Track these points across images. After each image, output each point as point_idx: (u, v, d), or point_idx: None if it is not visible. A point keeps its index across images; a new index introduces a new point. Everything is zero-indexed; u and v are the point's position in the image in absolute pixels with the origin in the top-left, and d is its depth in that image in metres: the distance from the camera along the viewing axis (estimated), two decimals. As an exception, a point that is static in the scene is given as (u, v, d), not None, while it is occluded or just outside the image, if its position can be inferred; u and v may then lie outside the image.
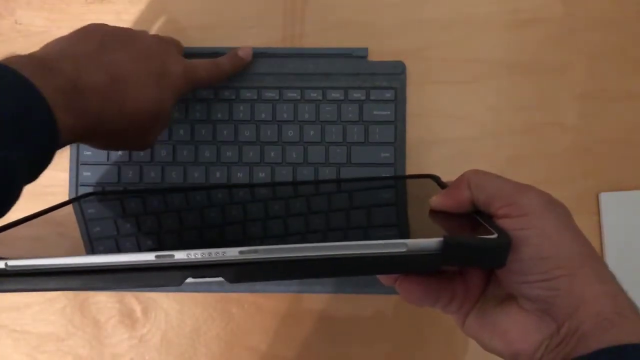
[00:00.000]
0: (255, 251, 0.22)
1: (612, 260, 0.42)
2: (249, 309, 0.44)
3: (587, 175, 0.44)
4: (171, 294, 0.44)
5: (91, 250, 0.28)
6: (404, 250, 0.22)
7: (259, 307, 0.44)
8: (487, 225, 0.23)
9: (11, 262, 0.23)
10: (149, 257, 0.22)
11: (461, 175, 0.26)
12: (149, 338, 0.44)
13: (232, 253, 0.22)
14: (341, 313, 0.44)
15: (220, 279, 0.22)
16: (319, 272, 0.23)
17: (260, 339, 0.44)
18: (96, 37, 0.32)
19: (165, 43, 0.38)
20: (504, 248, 0.22)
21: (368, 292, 0.43)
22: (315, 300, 0.44)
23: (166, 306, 0.44)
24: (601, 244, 0.43)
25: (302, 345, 0.44)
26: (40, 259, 0.23)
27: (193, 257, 0.22)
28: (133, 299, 0.44)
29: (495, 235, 0.22)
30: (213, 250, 0.22)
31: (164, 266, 0.22)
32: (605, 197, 0.43)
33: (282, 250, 0.22)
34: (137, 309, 0.44)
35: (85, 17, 0.46)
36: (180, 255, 0.22)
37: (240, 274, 0.22)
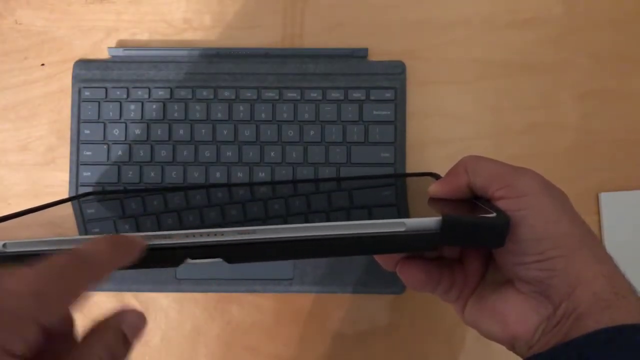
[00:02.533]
0: (254, 231, 0.22)
1: (612, 260, 0.42)
2: (249, 309, 0.44)
3: (587, 175, 0.44)
4: (171, 294, 0.44)
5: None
6: (402, 229, 0.22)
7: (259, 307, 0.44)
8: (485, 207, 0.23)
9: (10, 243, 0.23)
10: (147, 237, 0.22)
11: (458, 162, 0.26)
12: (149, 338, 0.44)
13: (230, 233, 0.22)
14: (341, 313, 0.44)
15: (218, 259, 0.22)
16: (317, 251, 0.23)
17: (260, 339, 0.44)
18: None
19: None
20: (502, 227, 0.22)
21: (368, 292, 0.43)
22: (315, 300, 0.44)
23: (166, 306, 0.44)
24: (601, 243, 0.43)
25: (302, 345, 0.44)
26: (39, 239, 0.23)
27: (192, 237, 0.22)
28: (133, 299, 0.44)
29: (493, 215, 0.22)
30: (212, 231, 0.22)
31: (163, 247, 0.22)
32: (605, 197, 0.43)
33: (280, 230, 0.22)
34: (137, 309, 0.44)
35: (85, 17, 0.46)
36: (179, 236, 0.22)
37: (238, 254, 0.22)
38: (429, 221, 0.22)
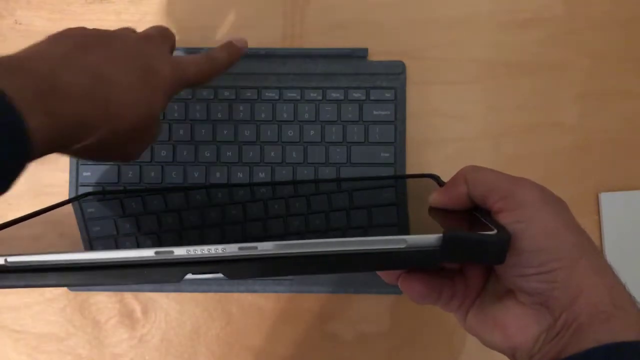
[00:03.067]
0: (255, 248, 0.22)
1: (612, 260, 0.42)
2: (249, 309, 0.44)
3: (587, 175, 0.44)
4: (171, 294, 0.44)
5: (90, 250, 0.28)
6: (403, 246, 0.22)
7: (259, 307, 0.44)
8: (486, 222, 0.23)
9: (11, 258, 0.23)
10: (148, 253, 0.22)
11: (458, 172, 0.26)
12: (149, 338, 0.44)
13: (231, 249, 0.22)
14: (341, 313, 0.44)
15: (219, 275, 0.22)
16: (318, 268, 0.23)
17: (260, 339, 0.44)
18: (72, 38, 0.29)
19: (150, 40, 0.33)
20: (503, 244, 0.22)
21: (368, 292, 0.43)
22: (315, 300, 0.44)
23: (166, 306, 0.44)
24: (601, 244, 0.43)
25: (301, 345, 0.44)
26: (40, 254, 0.23)
27: (192, 253, 0.22)
28: (133, 299, 0.44)
29: (494, 232, 0.22)
30: (212, 247, 0.22)
31: (164, 262, 0.22)
32: (605, 197, 0.43)
33: (281, 246, 0.22)
34: (137, 309, 0.44)
35: (85, 17, 0.46)
36: (179, 252, 0.22)
37: (239, 270, 0.22)
38: (429, 238, 0.22)
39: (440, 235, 0.22)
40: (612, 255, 0.43)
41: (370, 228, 0.29)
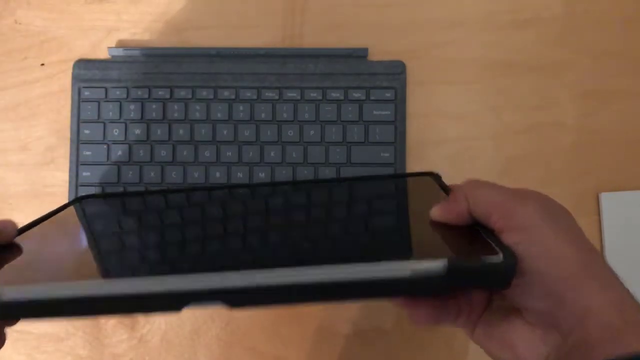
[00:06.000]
0: (254, 277, 0.21)
1: (612, 260, 0.42)
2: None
3: (587, 175, 0.44)
4: (171, 294, 0.44)
5: (91, 256, 0.27)
6: (407, 274, 0.21)
7: (259, 307, 0.44)
8: (491, 243, 0.23)
9: (8, 289, 0.22)
10: (145, 285, 0.22)
11: (459, 187, 0.26)
12: (149, 338, 0.44)
13: (230, 279, 0.22)
14: (341, 314, 0.44)
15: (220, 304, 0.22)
16: (321, 297, 0.22)
17: (260, 339, 0.44)
18: None
19: None
20: (509, 270, 0.21)
21: (368, 292, 0.43)
22: (315, 300, 0.44)
23: (166, 306, 0.44)
24: (601, 244, 0.43)
25: (302, 345, 0.44)
26: (34, 285, 0.22)
27: (191, 284, 0.22)
28: (133, 299, 0.44)
29: (500, 256, 0.21)
30: (212, 275, 0.22)
31: (163, 294, 0.22)
32: (605, 197, 0.43)
33: (282, 275, 0.21)
34: (137, 309, 0.44)
35: (85, 17, 0.46)
36: (178, 283, 0.22)
37: (239, 300, 0.22)
38: (434, 265, 0.21)
39: (445, 263, 0.21)
40: (612, 255, 0.43)
41: (370, 229, 0.29)
